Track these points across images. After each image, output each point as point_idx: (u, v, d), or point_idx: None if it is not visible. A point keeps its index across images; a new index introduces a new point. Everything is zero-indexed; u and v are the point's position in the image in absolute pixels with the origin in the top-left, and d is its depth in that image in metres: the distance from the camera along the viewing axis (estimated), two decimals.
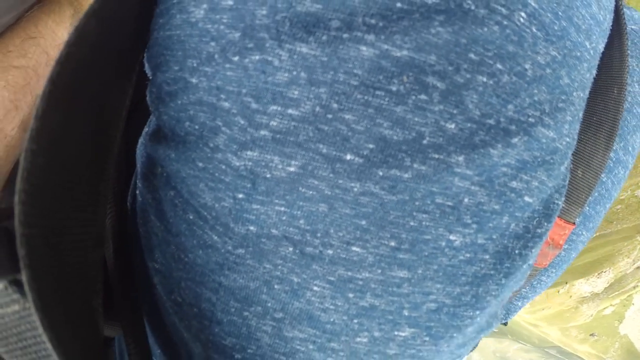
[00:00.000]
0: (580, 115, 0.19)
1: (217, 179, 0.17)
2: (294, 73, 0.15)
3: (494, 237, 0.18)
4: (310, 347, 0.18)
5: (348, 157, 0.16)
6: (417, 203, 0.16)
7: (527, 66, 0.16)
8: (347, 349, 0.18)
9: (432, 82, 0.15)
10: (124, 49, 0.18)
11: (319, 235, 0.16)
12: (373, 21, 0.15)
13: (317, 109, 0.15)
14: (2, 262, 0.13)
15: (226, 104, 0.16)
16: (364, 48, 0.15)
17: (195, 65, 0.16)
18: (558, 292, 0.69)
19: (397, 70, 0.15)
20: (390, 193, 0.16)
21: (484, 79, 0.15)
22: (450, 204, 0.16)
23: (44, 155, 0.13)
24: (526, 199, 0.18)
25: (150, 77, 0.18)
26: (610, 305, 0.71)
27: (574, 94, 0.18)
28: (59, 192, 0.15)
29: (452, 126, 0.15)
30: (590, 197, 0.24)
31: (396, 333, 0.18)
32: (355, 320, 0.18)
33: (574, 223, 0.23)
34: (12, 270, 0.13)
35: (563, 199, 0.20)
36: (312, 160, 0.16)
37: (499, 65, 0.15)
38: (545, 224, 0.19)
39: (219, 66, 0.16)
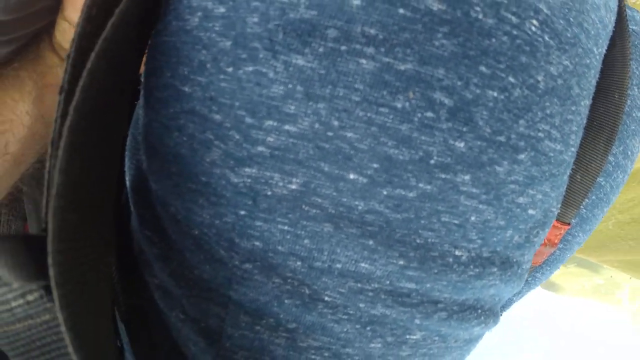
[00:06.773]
0: (584, 122, 0.19)
1: (219, 194, 0.16)
2: (290, 86, 0.14)
3: (498, 249, 0.18)
4: (326, 354, 0.18)
5: (351, 176, 0.15)
6: (422, 221, 0.16)
7: (539, 78, 0.15)
8: (361, 353, 0.18)
9: (439, 99, 0.14)
10: (128, 78, 0.17)
11: (325, 254, 0.16)
12: (372, 31, 0.14)
13: (317, 125, 0.14)
14: (28, 269, 0.13)
15: (217, 117, 0.15)
16: (364, 61, 0.14)
17: (186, 73, 0.15)
18: None
19: (402, 85, 0.14)
20: (395, 211, 0.15)
21: (495, 94, 0.14)
22: (456, 222, 0.16)
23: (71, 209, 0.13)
24: (530, 212, 0.17)
25: (143, 81, 0.17)
26: None
27: (582, 103, 0.17)
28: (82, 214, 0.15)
29: (462, 145, 0.15)
30: (587, 200, 0.24)
31: (408, 337, 0.18)
32: (369, 328, 0.18)
33: (569, 223, 0.23)
34: (39, 278, 0.13)
35: (559, 205, 0.20)
36: (314, 178, 0.15)
37: (511, 79, 0.14)
38: (541, 232, 0.19)
39: (213, 77, 0.15)
